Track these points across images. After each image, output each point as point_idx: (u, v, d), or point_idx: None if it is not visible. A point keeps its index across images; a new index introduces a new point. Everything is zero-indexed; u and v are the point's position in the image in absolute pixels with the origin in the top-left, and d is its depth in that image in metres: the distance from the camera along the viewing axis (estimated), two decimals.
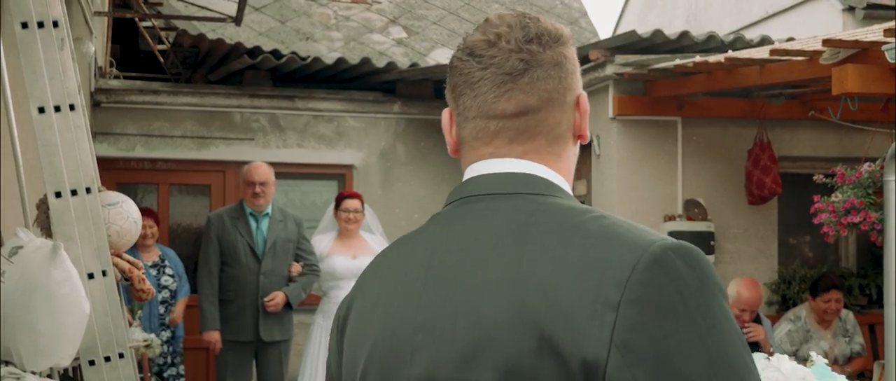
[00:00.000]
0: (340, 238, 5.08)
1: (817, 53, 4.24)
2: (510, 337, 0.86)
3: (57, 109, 2.31)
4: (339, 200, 5.12)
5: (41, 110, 2.32)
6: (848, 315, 5.09)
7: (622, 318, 0.83)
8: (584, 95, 1.02)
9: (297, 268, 4.96)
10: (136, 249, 5.08)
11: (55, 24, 2.29)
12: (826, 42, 4.12)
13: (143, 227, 5.21)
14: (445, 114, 1.06)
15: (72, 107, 2.35)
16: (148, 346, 3.84)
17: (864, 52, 4.13)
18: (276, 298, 4.83)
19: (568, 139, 1.01)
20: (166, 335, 5.28)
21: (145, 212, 5.44)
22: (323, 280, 5.04)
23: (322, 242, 5.07)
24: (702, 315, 0.83)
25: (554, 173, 0.99)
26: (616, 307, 0.83)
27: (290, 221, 5.01)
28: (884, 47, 3.88)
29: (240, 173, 5.35)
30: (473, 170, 1.00)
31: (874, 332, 5.57)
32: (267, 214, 4.97)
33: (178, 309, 5.36)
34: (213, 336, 4.85)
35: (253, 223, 4.94)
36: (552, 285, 0.86)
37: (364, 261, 5.01)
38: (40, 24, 2.27)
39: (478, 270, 0.92)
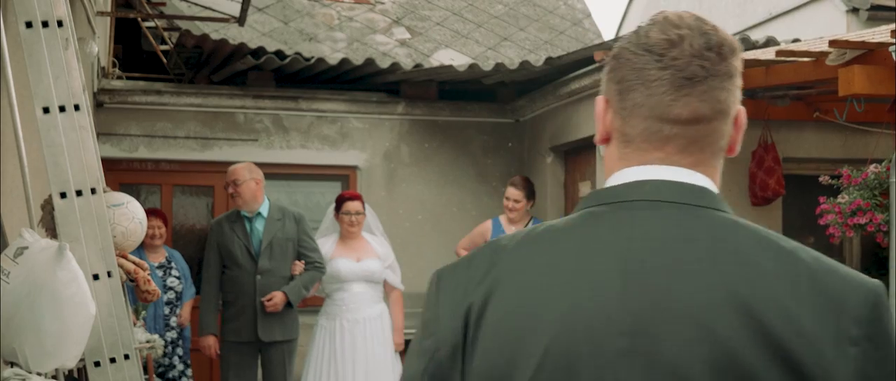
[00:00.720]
0: (343, 241, 5.03)
1: (823, 54, 4.23)
2: (751, 357, 0.88)
3: (61, 109, 2.30)
4: (340, 201, 5.06)
5: (46, 110, 2.31)
6: None
7: (863, 352, 0.90)
8: (744, 110, 1.02)
9: (299, 267, 4.89)
10: (143, 249, 5.08)
11: (60, 24, 2.28)
12: (832, 43, 4.11)
13: (152, 227, 5.25)
14: (600, 101, 1.04)
15: (76, 107, 2.34)
16: (151, 347, 3.83)
17: (870, 54, 4.11)
18: (274, 297, 4.79)
19: (724, 153, 1.01)
20: (172, 335, 5.27)
21: (154, 212, 5.46)
22: (327, 283, 5.01)
23: (325, 245, 5.03)
24: None
25: (716, 188, 1.00)
26: (857, 342, 0.90)
27: (289, 219, 4.93)
28: (891, 48, 3.87)
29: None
30: (641, 173, 0.99)
31: None
32: (260, 214, 4.95)
33: (185, 312, 5.37)
34: (208, 341, 4.91)
35: (248, 225, 4.94)
36: (792, 312, 0.90)
37: (368, 264, 4.96)
38: (45, 24, 2.27)
39: (695, 280, 0.91)
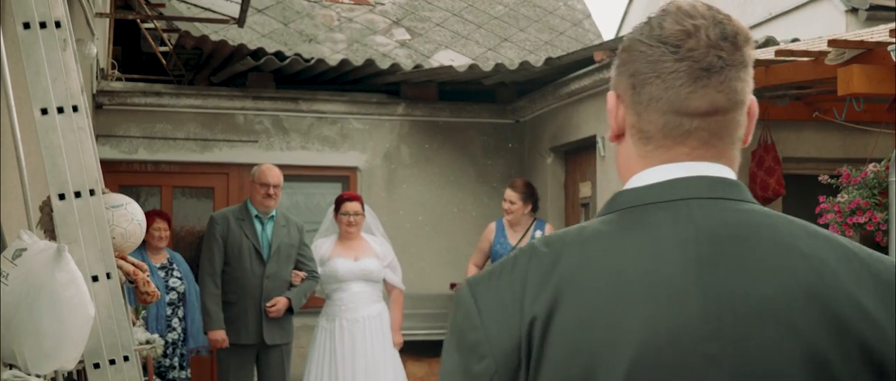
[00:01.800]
0: (341, 241, 5.05)
1: (823, 54, 4.23)
2: (833, 350, 0.89)
3: (60, 110, 2.30)
4: (339, 202, 5.08)
5: (44, 112, 2.31)
6: None
7: None
8: (755, 100, 1.00)
9: (300, 277, 4.96)
10: (145, 250, 5.08)
11: (58, 25, 2.28)
12: (831, 43, 4.11)
13: (157, 229, 5.24)
14: (612, 97, 1.01)
15: (75, 108, 2.34)
16: (151, 347, 3.83)
17: (869, 53, 4.11)
18: (279, 303, 4.83)
19: (740, 143, 1.00)
20: (173, 336, 5.27)
21: (158, 214, 5.46)
22: (326, 283, 5.03)
23: (323, 245, 5.05)
24: None
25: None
26: None
27: (292, 226, 5.01)
28: (889, 48, 3.87)
29: (248, 175, 5.34)
30: (671, 171, 0.96)
31: None
32: (272, 217, 4.96)
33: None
34: (219, 335, 4.82)
35: (258, 226, 4.92)
36: (859, 300, 0.90)
37: (366, 263, 4.99)
38: (43, 25, 2.26)
39: (766, 278, 0.90)
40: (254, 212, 4.93)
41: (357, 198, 5.16)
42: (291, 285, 4.94)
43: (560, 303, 0.91)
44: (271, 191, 4.89)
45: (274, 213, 4.96)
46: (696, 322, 0.89)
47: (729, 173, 0.97)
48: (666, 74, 0.95)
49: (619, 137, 1.01)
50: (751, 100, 0.99)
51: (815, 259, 0.91)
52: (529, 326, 0.91)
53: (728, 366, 0.88)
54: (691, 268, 0.90)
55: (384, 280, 5.09)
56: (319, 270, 5.03)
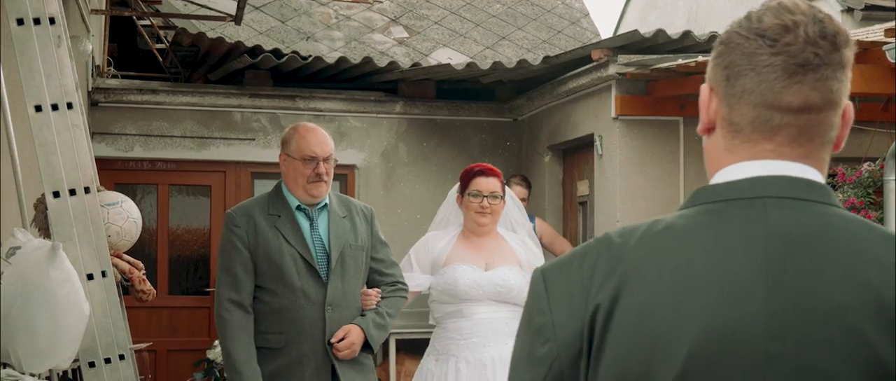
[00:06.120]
0: (467, 238, 3.45)
1: None
2: (892, 355, 0.88)
3: (54, 107, 2.29)
4: (467, 177, 3.46)
5: (38, 109, 2.30)
6: None
7: None
8: (851, 105, 0.99)
9: (375, 296, 3.04)
10: None
11: (52, 21, 2.27)
12: None
13: None
14: (705, 89, 1.00)
15: (69, 105, 2.33)
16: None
17: (864, 52, 4.11)
18: (350, 335, 2.92)
19: (831, 146, 0.98)
20: None
21: None
22: (437, 302, 3.37)
23: (439, 242, 3.50)
24: None
25: (823, 181, 0.97)
26: None
27: (357, 216, 3.08)
28: (884, 47, 3.86)
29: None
30: (754, 168, 0.95)
31: None
32: (325, 206, 3.04)
33: None
34: None
35: (304, 222, 3.00)
36: None
37: (503, 274, 3.33)
38: (37, 21, 2.25)
39: (835, 281, 0.89)
40: (294, 202, 3.01)
41: (494, 172, 3.32)
42: (363, 311, 3.04)
43: (624, 292, 0.92)
44: (321, 167, 2.98)
45: (326, 200, 3.03)
46: (758, 319, 0.89)
47: (814, 175, 0.96)
48: (761, 67, 0.94)
49: (709, 130, 1.00)
50: (846, 104, 0.98)
51: (886, 268, 0.89)
52: (593, 313, 0.92)
53: (788, 366, 0.88)
54: (758, 265, 0.90)
55: None
56: (430, 282, 3.30)
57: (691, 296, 0.90)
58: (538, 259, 3.34)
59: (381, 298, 3.05)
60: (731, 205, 0.94)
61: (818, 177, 0.96)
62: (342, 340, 2.92)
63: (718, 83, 0.98)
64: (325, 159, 3.02)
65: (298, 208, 3.01)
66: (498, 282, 3.20)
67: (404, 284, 3.12)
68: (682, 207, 0.99)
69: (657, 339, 0.90)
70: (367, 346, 2.97)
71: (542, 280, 0.98)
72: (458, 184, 3.34)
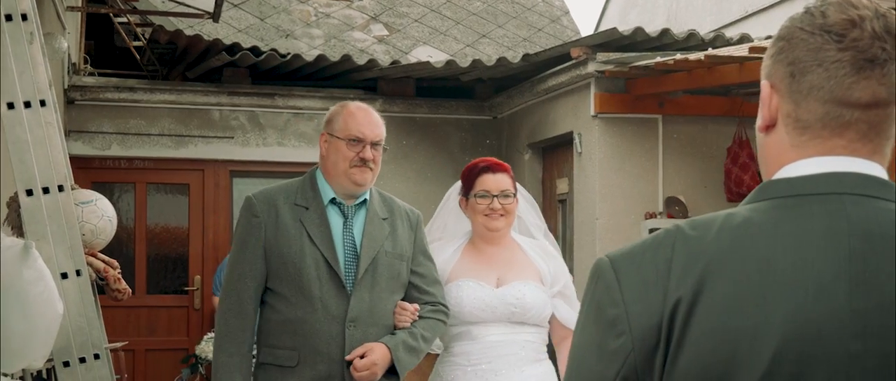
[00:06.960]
0: (474, 247, 2.87)
1: None
2: None
3: (27, 104, 2.27)
4: (472, 175, 2.87)
5: (10, 106, 2.27)
6: None
7: None
8: None
9: (412, 311, 2.53)
10: None
11: (24, 18, 2.24)
12: None
13: None
14: (766, 86, 0.98)
15: (43, 103, 2.30)
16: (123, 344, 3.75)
17: None
18: (372, 353, 2.42)
19: (892, 142, 0.97)
20: None
21: None
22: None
23: (439, 255, 2.91)
24: None
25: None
26: None
27: (400, 219, 2.61)
28: None
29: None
30: (827, 164, 0.94)
31: None
32: (365, 201, 2.58)
33: None
34: None
35: (337, 220, 2.53)
36: None
37: (518, 290, 2.74)
38: (8, 18, 2.22)
39: None
40: (329, 194, 2.55)
41: (503, 167, 2.79)
42: (395, 329, 2.52)
43: (706, 286, 0.90)
44: (368, 152, 2.57)
45: (367, 195, 2.58)
46: (842, 317, 0.88)
47: (881, 172, 0.96)
48: (829, 62, 0.93)
49: (769, 127, 0.98)
50: None
51: None
52: (673, 307, 0.90)
53: (871, 365, 0.88)
54: (842, 262, 0.89)
55: (552, 318, 2.75)
56: None
57: (776, 292, 0.89)
58: (563, 270, 2.79)
59: (418, 317, 2.51)
60: (808, 200, 0.93)
61: (885, 174, 0.96)
62: (363, 357, 2.40)
63: (781, 80, 0.97)
64: (375, 144, 2.60)
65: (332, 201, 2.53)
66: (511, 302, 2.65)
67: (446, 306, 2.60)
68: (751, 199, 0.97)
69: (741, 335, 0.88)
70: (393, 372, 2.44)
71: (611, 270, 0.94)
72: (459, 185, 2.81)
